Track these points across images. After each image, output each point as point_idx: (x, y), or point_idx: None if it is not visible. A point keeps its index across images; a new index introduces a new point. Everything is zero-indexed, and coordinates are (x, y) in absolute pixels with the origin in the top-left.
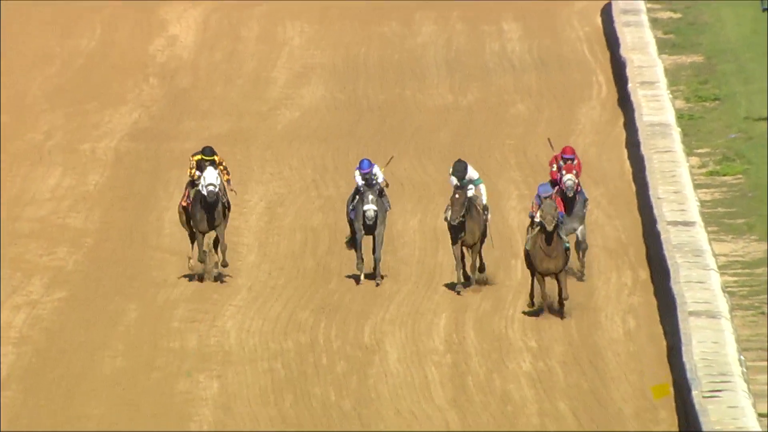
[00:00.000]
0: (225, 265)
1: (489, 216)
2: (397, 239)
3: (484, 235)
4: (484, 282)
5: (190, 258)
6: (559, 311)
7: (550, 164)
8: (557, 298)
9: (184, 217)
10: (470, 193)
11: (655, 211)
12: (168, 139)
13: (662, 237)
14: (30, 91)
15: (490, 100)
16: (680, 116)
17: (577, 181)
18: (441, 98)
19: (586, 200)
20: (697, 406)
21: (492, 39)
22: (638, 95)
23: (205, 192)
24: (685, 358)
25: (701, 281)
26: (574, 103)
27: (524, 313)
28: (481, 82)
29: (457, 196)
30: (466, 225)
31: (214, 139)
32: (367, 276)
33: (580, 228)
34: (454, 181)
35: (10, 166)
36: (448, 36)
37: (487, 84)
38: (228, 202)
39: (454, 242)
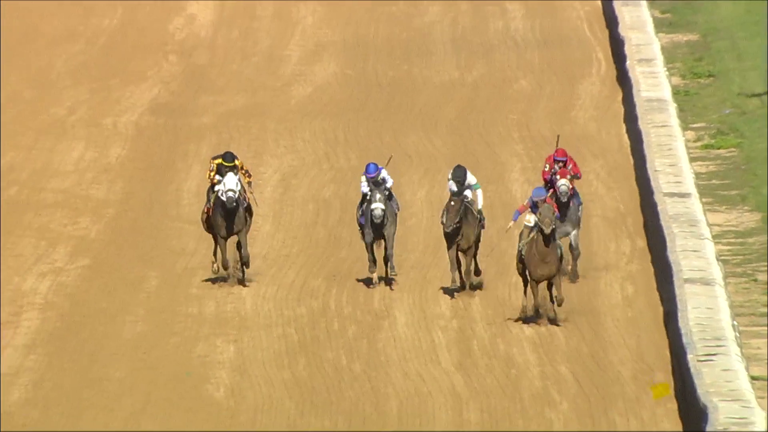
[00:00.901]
0: (247, 266)
1: (484, 221)
2: (405, 209)
3: (478, 239)
4: (479, 286)
5: (213, 262)
6: (554, 318)
7: (545, 163)
8: (550, 305)
9: (206, 224)
10: (468, 193)
11: (652, 182)
12: (186, 113)
13: (659, 207)
14: (54, 68)
15: (494, 76)
16: (676, 92)
17: (571, 186)
18: (447, 74)
19: (580, 204)
20: (692, 369)
21: (496, 18)
22: (636, 72)
23: (224, 198)
24: (680, 324)
25: (696, 250)
26: (574, 79)
27: (518, 320)
28: (486, 59)
29: (452, 203)
30: (462, 230)
31: (230, 113)
32: (381, 278)
33: (574, 233)
34: (453, 186)
35: (35, 139)
36: (454, 15)
37: (491, 61)
38: (250, 207)
39: (449, 247)
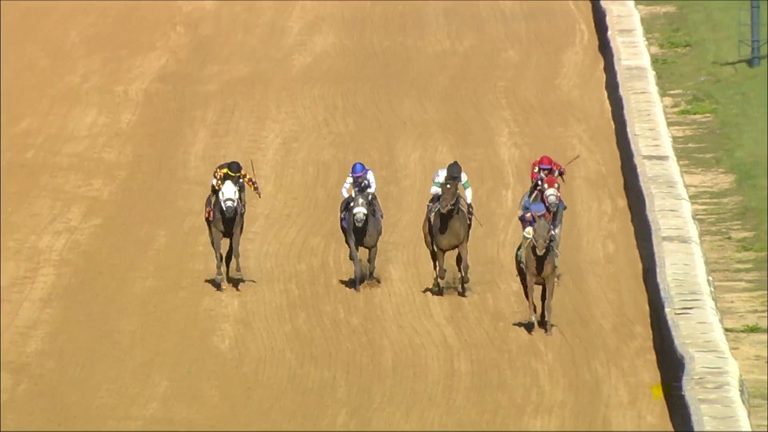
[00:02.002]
0: (238, 269)
1: (473, 216)
2: (399, 171)
3: (467, 235)
4: (466, 282)
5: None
6: (543, 322)
7: (532, 166)
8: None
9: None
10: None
11: (632, 146)
12: (193, 81)
13: (638, 170)
14: (69, 39)
15: (483, 46)
16: (655, 61)
17: (559, 194)
18: (439, 45)
19: (564, 207)
20: (669, 322)
21: None
22: (617, 42)
23: (224, 207)
24: (659, 279)
25: (673, 209)
26: (559, 49)
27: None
28: (476, 30)
29: (448, 186)
30: (452, 225)
31: (234, 81)
32: (362, 281)
33: (557, 230)
34: (435, 189)
35: (51, 106)
36: None
37: (481, 32)
38: (244, 208)
39: (435, 245)
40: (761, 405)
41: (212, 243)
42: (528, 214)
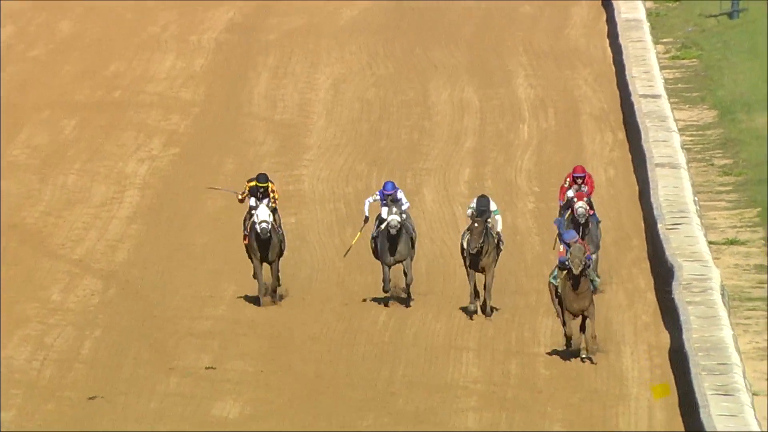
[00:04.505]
0: (274, 299)
1: (503, 244)
2: (432, 108)
3: (495, 261)
4: (492, 309)
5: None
6: (588, 356)
7: (564, 180)
8: (590, 340)
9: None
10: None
11: (630, 86)
12: (256, 31)
13: (635, 107)
14: None
15: (503, 2)
16: (649, 14)
17: (587, 207)
18: (465, 2)
19: (598, 222)
20: (661, 236)
21: None
22: None
23: (258, 229)
24: (652, 199)
25: (665, 140)
26: (568, 5)
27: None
28: None
29: (476, 225)
30: (483, 248)
31: (291, 31)
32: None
33: (594, 256)
34: (470, 212)
35: (135, 53)
36: None
37: None
38: (283, 236)
39: (470, 268)
40: (739, 306)
41: (254, 274)
42: (562, 247)
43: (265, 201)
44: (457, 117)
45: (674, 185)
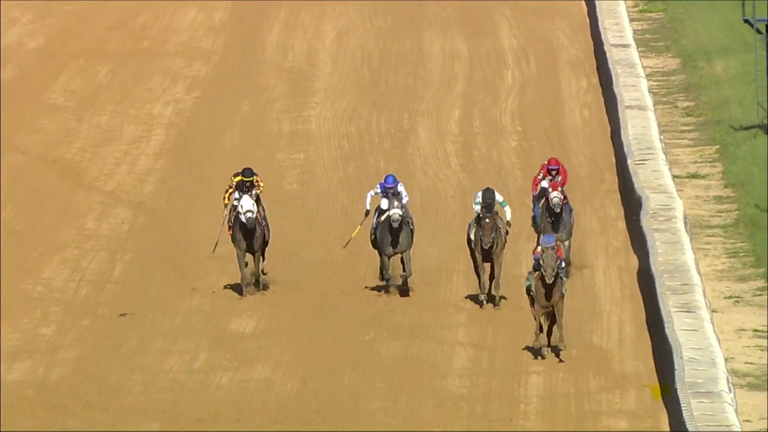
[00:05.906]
0: (263, 280)
1: (508, 232)
2: (426, 57)
3: (503, 248)
4: (499, 299)
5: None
6: (555, 348)
7: (539, 171)
8: (556, 336)
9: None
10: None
11: (602, 36)
12: None
13: (607, 55)
14: None
15: None
16: None
17: (562, 196)
18: None
19: (572, 210)
20: (631, 171)
21: None
22: None
23: (243, 219)
24: (623, 138)
25: (634, 85)
26: None
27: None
28: None
29: (487, 220)
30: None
31: None
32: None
33: (567, 243)
34: (477, 208)
35: (161, 5)
36: None
37: None
38: (268, 227)
39: (479, 260)
40: (700, 233)
41: (239, 266)
42: (538, 248)
43: (251, 193)
44: (448, 64)
45: (642, 125)
